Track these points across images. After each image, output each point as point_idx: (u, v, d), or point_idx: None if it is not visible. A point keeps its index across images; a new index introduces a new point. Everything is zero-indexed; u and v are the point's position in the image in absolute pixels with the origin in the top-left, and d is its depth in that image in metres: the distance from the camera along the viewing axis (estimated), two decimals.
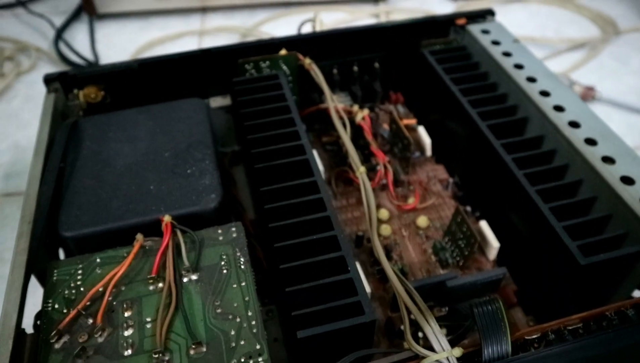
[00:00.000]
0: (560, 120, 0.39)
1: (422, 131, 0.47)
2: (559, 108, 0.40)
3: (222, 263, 0.32)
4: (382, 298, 0.37)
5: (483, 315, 0.26)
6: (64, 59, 0.75)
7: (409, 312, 0.29)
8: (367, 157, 0.45)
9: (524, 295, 0.38)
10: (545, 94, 0.41)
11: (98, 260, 0.32)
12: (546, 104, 0.40)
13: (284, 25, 0.82)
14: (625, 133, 0.64)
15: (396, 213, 0.43)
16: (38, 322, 0.30)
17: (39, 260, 0.32)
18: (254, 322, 0.29)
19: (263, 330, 0.28)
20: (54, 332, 0.28)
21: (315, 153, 0.45)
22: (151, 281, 0.31)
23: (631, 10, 0.86)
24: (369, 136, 0.44)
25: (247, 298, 0.30)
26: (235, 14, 0.84)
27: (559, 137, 0.38)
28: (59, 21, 0.83)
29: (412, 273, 0.39)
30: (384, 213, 0.42)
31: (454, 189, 0.45)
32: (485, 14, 0.51)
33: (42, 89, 0.44)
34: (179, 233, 0.33)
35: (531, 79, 0.43)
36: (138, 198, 0.35)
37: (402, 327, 0.35)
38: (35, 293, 0.32)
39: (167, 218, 0.33)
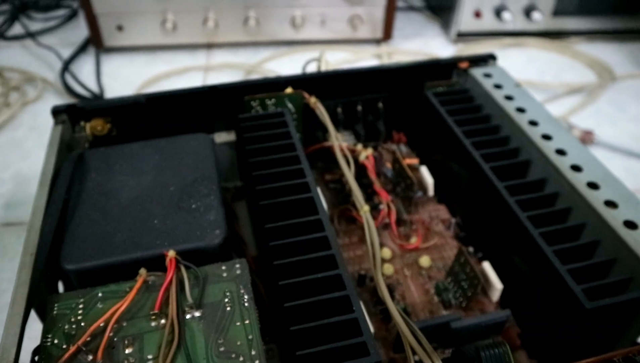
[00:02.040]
0: (562, 164, 0.39)
1: (424, 170, 0.48)
2: (560, 152, 0.41)
3: (226, 300, 0.31)
4: (384, 339, 0.37)
5: (490, 359, 0.26)
6: (69, 90, 0.75)
7: (414, 353, 0.29)
8: (369, 196, 0.46)
9: (527, 337, 0.38)
10: (547, 137, 0.42)
11: (100, 295, 0.31)
12: (548, 148, 0.41)
13: (287, 63, 0.83)
14: (624, 177, 0.64)
15: (398, 253, 0.43)
16: (36, 358, 0.29)
17: (39, 293, 0.32)
18: (257, 361, 0.28)
19: None
20: None
21: (318, 190, 0.45)
22: (153, 317, 0.30)
23: (627, 58, 0.89)
24: (372, 175, 0.45)
25: (250, 337, 0.29)
26: (240, 51, 0.86)
27: (562, 180, 0.39)
28: (66, 53, 0.84)
29: (415, 314, 0.38)
30: (386, 252, 0.42)
31: (456, 230, 0.45)
32: (488, 58, 0.53)
33: (46, 119, 0.44)
34: (182, 269, 0.32)
35: (533, 123, 0.44)
36: (142, 232, 0.35)
37: None
38: (33, 327, 0.31)
39: (171, 253, 0.32)
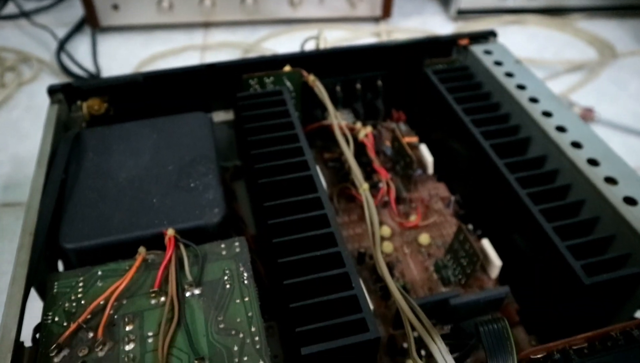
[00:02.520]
0: (563, 141, 0.39)
1: (424, 149, 0.48)
2: (561, 129, 0.40)
3: (225, 277, 0.31)
4: (384, 316, 0.37)
5: (489, 334, 0.26)
6: (65, 70, 0.75)
7: (414, 329, 0.29)
8: (369, 174, 0.45)
9: (526, 314, 0.38)
10: (547, 114, 0.42)
11: (99, 273, 0.31)
12: (548, 125, 0.41)
13: (285, 42, 0.82)
14: (624, 155, 0.64)
15: (398, 231, 0.43)
16: (37, 335, 0.29)
17: (39, 273, 0.32)
18: (257, 338, 0.28)
19: (266, 346, 0.28)
20: (54, 345, 0.28)
21: (317, 169, 0.45)
22: (153, 295, 0.30)
23: (628, 35, 0.88)
24: (371, 154, 0.44)
25: (250, 314, 0.29)
26: (238, 30, 0.85)
27: (562, 157, 0.39)
28: (61, 33, 0.83)
29: (414, 291, 0.39)
30: (386, 230, 0.42)
31: (456, 208, 0.45)
32: (488, 35, 0.52)
33: (43, 100, 0.44)
34: (181, 247, 0.32)
35: (533, 100, 0.43)
36: (141, 211, 0.35)
37: (405, 345, 0.35)
38: (34, 306, 0.31)
39: (170, 232, 0.32)
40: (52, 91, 0.44)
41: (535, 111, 0.42)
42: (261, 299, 0.32)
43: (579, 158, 0.38)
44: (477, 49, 0.50)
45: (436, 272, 0.40)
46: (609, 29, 0.89)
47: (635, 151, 0.65)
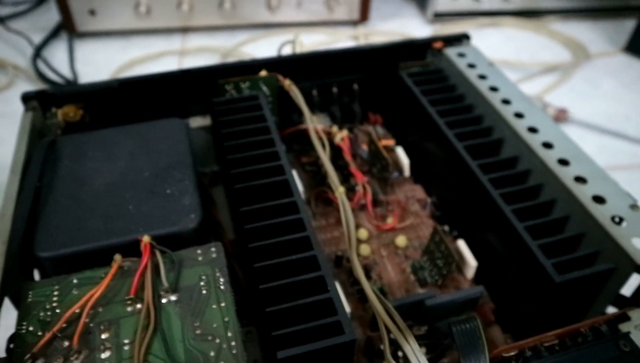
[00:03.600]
0: (534, 141, 0.40)
1: (400, 151, 0.48)
2: (532, 130, 0.41)
3: (202, 283, 0.31)
4: (361, 318, 0.37)
5: (461, 334, 0.26)
6: (42, 77, 0.74)
7: (389, 331, 0.29)
8: (346, 177, 0.46)
9: (501, 313, 0.39)
10: (519, 115, 0.43)
11: (75, 281, 0.31)
12: (520, 126, 0.41)
13: (264, 46, 0.83)
14: (598, 154, 0.66)
15: (375, 233, 0.43)
16: (11, 346, 0.29)
17: (13, 282, 0.32)
18: (233, 343, 0.28)
19: (243, 351, 0.28)
20: (28, 355, 0.27)
21: (294, 173, 0.45)
22: (129, 302, 0.30)
23: (601, 36, 0.89)
24: (348, 157, 0.45)
25: (226, 319, 0.30)
26: (216, 35, 0.85)
27: (533, 158, 0.39)
28: (37, 38, 0.82)
29: (391, 292, 0.39)
30: (363, 233, 0.42)
31: (432, 209, 0.45)
32: (462, 38, 0.53)
33: (18, 106, 0.43)
34: (157, 254, 0.32)
35: (506, 101, 0.44)
36: (116, 218, 0.35)
37: (381, 347, 0.35)
38: (8, 315, 0.31)
39: (145, 239, 0.32)
40: (27, 98, 0.44)
41: (507, 112, 0.43)
42: (240, 304, 0.32)
43: (550, 158, 0.39)
44: (451, 52, 0.51)
45: (413, 274, 0.40)
46: (583, 31, 0.91)
47: (608, 150, 0.66)
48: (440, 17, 0.91)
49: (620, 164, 0.64)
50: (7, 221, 0.34)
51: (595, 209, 0.35)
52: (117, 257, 0.32)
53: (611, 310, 0.35)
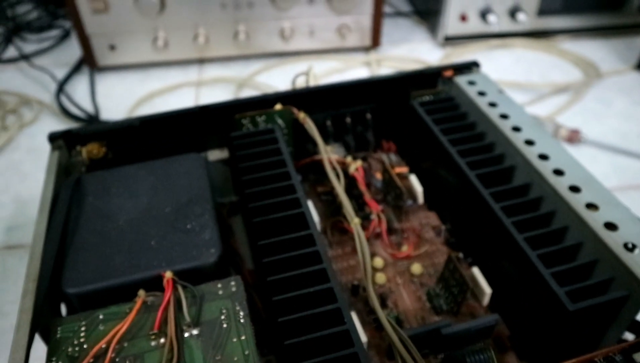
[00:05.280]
0: (545, 168, 0.41)
1: (414, 179, 0.49)
2: (543, 156, 0.42)
3: (222, 317, 0.32)
4: (378, 346, 0.38)
5: None
6: (65, 111, 0.77)
7: (404, 362, 0.30)
8: (361, 206, 0.47)
9: (517, 339, 0.39)
10: (530, 143, 0.43)
11: (101, 317, 0.33)
12: (531, 153, 0.42)
13: (278, 74, 0.85)
14: (611, 174, 0.66)
15: (390, 261, 0.44)
16: None
17: (42, 317, 0.33)
18: None
19: None
20: None
21: (310, 203, 0.46)
22: (153, 336, 0.31)
23: (611, 54, 0.90)
24: (362, 187, 0.46)
25: (247, 352, 0.31)
26: (232, 65, 0.87)
27: (545, 185, 0.40)
28: (60, 73, 0.85)
29: (408, 321, 0.40)
30: (378, 262, 0.43)
31: (447, 236, 0.46)
32: (471, 66, 0.54)
33: (43, 141, 0.46)
34: (179, 288, 0.34)
35: (516, 129, 0.45)
36: (140, 253, 0.37)
37: None
38: (37, 347, 0.32)
39: (168, 274, 0.34)
40: (53, 137, 0.46)
41: (518, 139, 0.44)
42: (259, 333, 0.33)
43: (561, 185, 0.39)
44: (461, 80, 0.52)
45: (429, 301, 0.41)
46: (593, 49, 0.91)
47: (622, 169, 0.66)
48: (450, 40, 0.92)
49: (634, 184, 0.64)
50: (37, 259, 0.35)
51: (607, 236, 0.35)
52: (141, 293, 0.33)
53: (628, 336, 0.36)
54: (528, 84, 0.83)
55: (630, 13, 0.94)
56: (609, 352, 0.29)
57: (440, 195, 0.48)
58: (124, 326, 0.31)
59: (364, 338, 0.35)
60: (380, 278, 0.42)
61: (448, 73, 0.53)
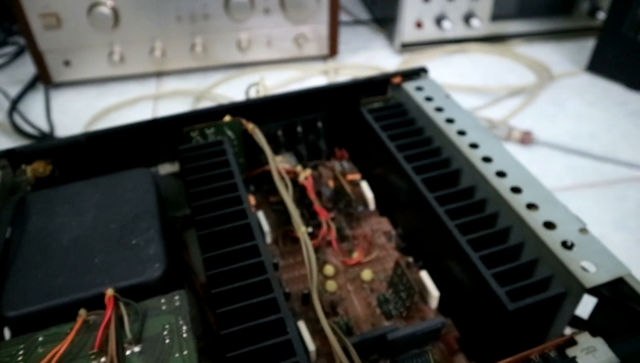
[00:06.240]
0: (488, 170, 0.41)
1: (364, 186, 0.49)
2: (487, 159, 0.43)
3: (165, 332, 0.32)
4: (329, 355, 0.38)
5: None
6: (18, 130, 0.75)
7: None
8: (312, 214, 0.47)
9: (465, 341, 0.40)
10: (474, 146, 0.44)
11: (40, 339, 0.32)
12: (475, 156, 0.43)
13: (236, 86, 0.85)
14: (564, 174, 0.68)
15: (342, 268, 0.44)
16: None
17: None
18: None
19: None
20: None
21: (261, 213, 0.47)
22: (93, 356, 0.31)
23: (564, 57, 0.92)
24: (312, 195, 0.46)
25: None
26: (190, 77, 0.87)
27: (488, 187, 0.41)
28: (14, 91, 0.84)
29: (358, 327, 0.40)
30: (329, 269, 0.43)
31: (398, 241, 0.47)
32: (420, 72, 0.55)
33: None
34: (121, 306, 0.33)
35: (461, 133, 0.46)
36: (83, 271, 0.36)
37: None
38: None
39: (109, 292, 0.33)
40: None
41: (463, 143, 0.44)
42: (212, 347, 0.33)
43: (503, 186, 0.40)
44: (410, 86, 0.52)
45: (379, 307, 0.41)
46: (546, 53, 0.93)
47: (574, 169, 0.68)
48: (407, 47, 0.93)
49: (586, 183, 0.66)
50: None
51: (546, 235, 0.36)
52: (82, 312, 0.33)
53: (569, 330, 0.36)
54: (484, 87, 0.84)
55: (580, 17, 0.96)
56: (545, 349, 0.30)
57: (391, 200, 0.49)
58: (62, 347, 0.31)
59: (311, 347, 0.35)
60: (331, 285, 0.42)
61: (397, 80, 0.53)
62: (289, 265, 0.44)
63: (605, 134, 0.74)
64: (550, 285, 0.35)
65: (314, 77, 0.87)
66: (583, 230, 0.36)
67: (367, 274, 0.43)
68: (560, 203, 0.38)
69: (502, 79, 0.87)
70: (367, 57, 0.93)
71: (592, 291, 0.33)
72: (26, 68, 0.90)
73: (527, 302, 0.33)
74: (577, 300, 0.34)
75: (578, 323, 0.36)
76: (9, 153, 0.45)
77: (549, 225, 0.37)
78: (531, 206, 0.38)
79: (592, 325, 0.35)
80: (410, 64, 0.90)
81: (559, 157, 0.70)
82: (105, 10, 0.77)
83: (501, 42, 0.96)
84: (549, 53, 0.93)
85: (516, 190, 0.40)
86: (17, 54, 0.95)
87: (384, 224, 0.48)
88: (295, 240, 0.46)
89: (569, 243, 0.36)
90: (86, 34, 0.80)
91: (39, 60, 0.81)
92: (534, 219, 0.37)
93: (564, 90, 0.84)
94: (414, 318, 0.40)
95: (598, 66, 0.87)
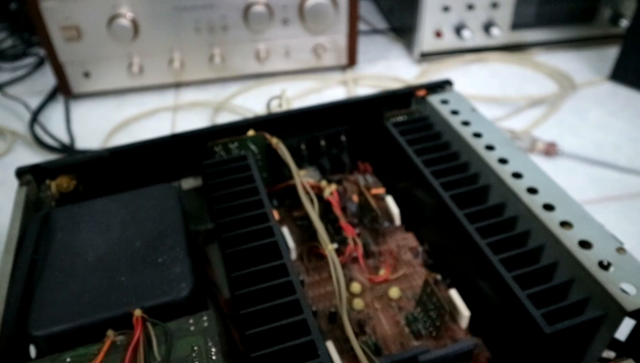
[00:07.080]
0: (519, 187, 0.41)
1: (390, 201, 0.49)
2: (517, 175, 0.42)
3: (194, 354, 0.32)
4: None
5: None
6: (39, 141, 0.76)
7: None
8: (337, 230, 0.46)
9: (497, 362, 0.39)
10: (503, 161, 0.43)
11: (68, 360, 0.32)
12: (504, 172, 0.42)
13: (254, 96, 0.84)
14: (589, 186, 0.66)
15: (368, 286, 0.43)
16: None
17: (9, 361, 0.32)
18: None
19: None
20: None
21: (286, 229, 0.46)
22: None
23: (585, 65, 0.91)
24: (337, 211, 0.45)
25: None
26: (208, 88, 0.87)
27: (519, 204, 0.40)
28: (35, 102, 0.84)
29: (387, 347, 0.39)
30: (356, 287, 0.43)
31: (424, 257, 0.46)
32: (444, 84, 0.54)
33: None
34: (149, 326, 0.33)
35: (489, 147, 0.45)
36: (109, 290, 0.36)
37: None
38: None
39: (137, 312, 0.33)
40: (20, 172, 0.45)
41: (491, 158, 0.44)
42: None
43: (535, 203, 0.39)
44: (434, 99, 0.52)
45: (407, 326, 0.40)
46: (567, 61, 0.92)
47: (599, 181, 0.67)
48: (426, 56, 0.92)
49: (611, 195, 0.65)
50: (1, 302, 0.34)
51: (582, 254, 0.35)
52: (110, 333, 0.32)
53: (607, 354, 0.35)
54: (504, 98, 0.83)
55: (602, 24, 0.95)
56: None
57: (417, 216, 0.48)
58: None
59: None
60: (358, 303, 0.41)
61: (421, 93, 0.53)
62: (315, 282, 0.43)
63: (630, 145, 0.73)
64: (587, 307, 0.34)
65: (332, 88, 0.86)
66: (620, 249, 0.35)
67: (394, 292, 0.42)
68: (595, 221, 0.37)
69: (521, 88, 0.86)
70: (385, 67, 0.92)
71: (634, 314, 0.32)
72: (46, 79, 0.91)
73: (565, 325, 0.32)
74: (616, 324, 0.33)
75: (617, 347, 0.35)
76: (33, 169, 0.45)
77: (585, 244, 0.36)
78: (565, 224, 0.37)
79: (629, 348, 0.34)
80: (429, 74, 0.90)
81: (583, 169, 0.69)
82: (124, 22, 0.77)
83: (521, 51, 0.95)
84: (569, 62, 0.92)
85: (549, 207, 0.39)
86: (37, 66, 0.95)
87: (410, 240, 0.47)
88: (321, 256, 0.45)
89: (605, 263, 0.35)
90: (106, 46, 0.80)
91: (59, 72, 0.81)
92: (569, 238, 0.36)
93: (586, 100, 0.82)
94: (444, 338, 0.39)
95: (621, 74, 0.85)
